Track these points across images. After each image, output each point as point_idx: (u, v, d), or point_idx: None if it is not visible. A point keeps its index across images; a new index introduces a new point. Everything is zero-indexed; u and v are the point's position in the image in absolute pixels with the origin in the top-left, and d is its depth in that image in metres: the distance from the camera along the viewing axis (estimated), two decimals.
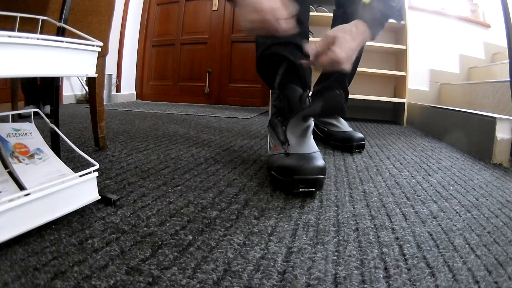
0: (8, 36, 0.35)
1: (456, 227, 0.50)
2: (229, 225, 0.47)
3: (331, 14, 1.17)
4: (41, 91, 1.65)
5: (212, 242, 0.42)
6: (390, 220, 0.52)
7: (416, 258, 0.40)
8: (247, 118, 1.89)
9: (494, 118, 0.96)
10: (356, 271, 0.37)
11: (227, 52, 2.89)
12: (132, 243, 0.40)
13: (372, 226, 0.49)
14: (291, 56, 0.79)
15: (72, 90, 2.55)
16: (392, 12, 0.71)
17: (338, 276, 0.36)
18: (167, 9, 3.07)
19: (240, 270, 0.36)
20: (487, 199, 0.64)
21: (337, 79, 1.11)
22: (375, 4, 0.69)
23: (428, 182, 0.74)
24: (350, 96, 1.23)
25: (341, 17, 1.00)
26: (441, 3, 2.38)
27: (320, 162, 0.62)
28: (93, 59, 0.47)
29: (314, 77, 0.96)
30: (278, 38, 0.77)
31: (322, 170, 0.60)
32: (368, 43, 0.74)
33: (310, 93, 0.79)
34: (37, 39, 0.39)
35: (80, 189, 0.47)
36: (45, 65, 0.40)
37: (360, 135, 1.06)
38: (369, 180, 0.73)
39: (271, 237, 0.44)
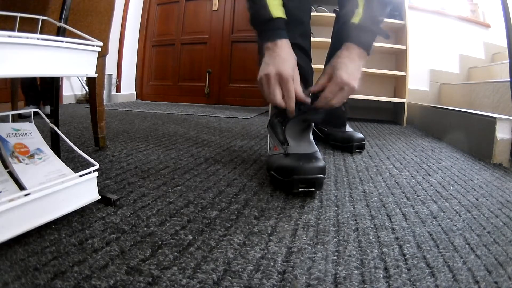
0: (8, 36, 0.35)
1: (456, 227, 0.50)
2: (229, 225, 0.47)
3: (331, 14, 1.17)
4: (41, 91, 1.66)
5: (212, 242, 0.42)
6: (390, 220, 0.52)
7: (416, 258, 0.40)
8: (247, 118, 1.89)
9: (494, 118, 0.96)
10: (356, 271, 0.37)
11: (227, 52, 2.89)
12: (132, 243, 0.40)
13: (372, 226, 0.49)
14: None
15: (72, 90, 2.55)
16: (379, 29, 0.73)
17: (338, 276, 0.36)
18: (167, 9, 3.08)
19: (240, 270, 0.36)
20: (487, 199, 0.64)
21: None
22: (364, 23, 0.71)
23: (428, 182, 0.74)
24: (350, 96, 1.23)
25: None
26: (441, 3, 2.38)
27: (319, 161, 0.62)
28: (93, 59, 0.47)
29: (315, 77, 0.96)
30: None
31: (322, 170, 0.60)
32: None
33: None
34: (37, 39, 0.39)
35: (80, 189, 0.47)
36: (45, 65, 0.40)
37: (360, 135, 1.06)
38: (369, 180, 0.73)
39: (271, 237, 0.44)
